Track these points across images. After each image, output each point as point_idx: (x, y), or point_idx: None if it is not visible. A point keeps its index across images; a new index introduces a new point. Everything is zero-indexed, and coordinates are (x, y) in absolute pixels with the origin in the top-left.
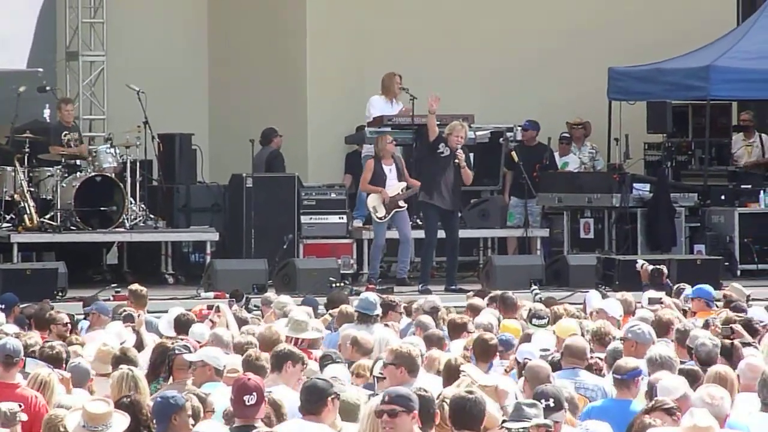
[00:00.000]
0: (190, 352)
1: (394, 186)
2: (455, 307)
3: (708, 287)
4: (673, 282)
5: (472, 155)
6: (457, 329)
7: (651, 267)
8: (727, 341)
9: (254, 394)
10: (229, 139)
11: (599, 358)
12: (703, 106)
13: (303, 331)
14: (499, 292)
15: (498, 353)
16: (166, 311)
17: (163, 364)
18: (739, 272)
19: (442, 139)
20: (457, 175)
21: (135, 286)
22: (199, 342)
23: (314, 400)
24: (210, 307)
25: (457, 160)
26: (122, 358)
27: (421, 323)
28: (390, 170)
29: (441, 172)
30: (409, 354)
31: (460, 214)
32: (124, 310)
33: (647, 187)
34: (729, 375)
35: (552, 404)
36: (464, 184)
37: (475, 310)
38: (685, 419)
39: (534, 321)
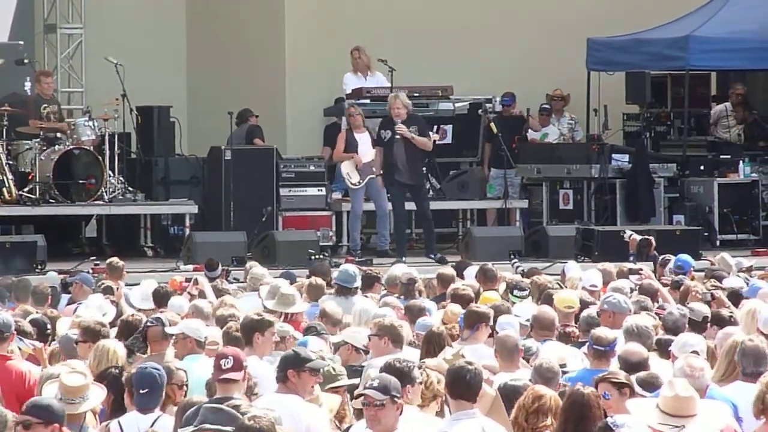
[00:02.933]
0: (162, 324)
1: (366, 153)
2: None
3: (687, 257)
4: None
5: (450, 127)
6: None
7: (639, 237)
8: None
9: (230, 358)
10: (208, 111)
11: (575, 327)
12: (682, 77)
13: (291, 305)
14: (479, 263)
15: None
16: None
17: (129, 338)
18: (718, 242)
19: (384, 125)
20: (409, 149)
21: (112, 259)
22: (179, 315)
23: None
24: (188, 280)
25: (398, 135)
26: (96, 332)
27: (392, 303)
28: (361, 139)
29: (391, 152)
30: (392, 325)
31: (429, 186)
32: (103, 283)
33: (626, 157)
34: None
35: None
36: (426, 151)
37: (444, 282)
38: (664, 390)
39: (515, 292)
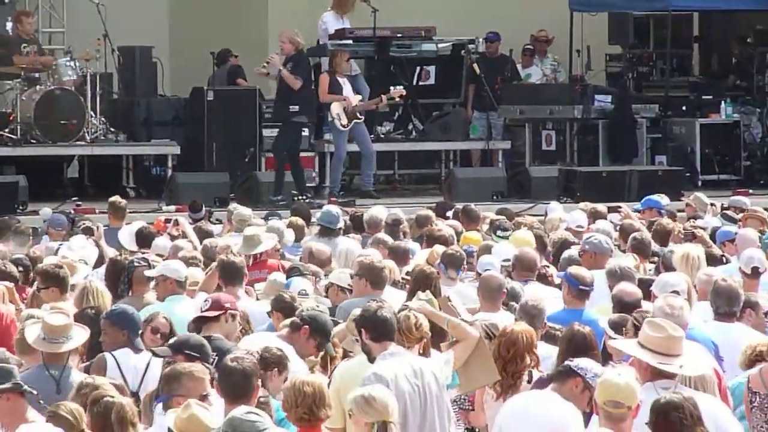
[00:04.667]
0: (149, 265)
1: (351, 97)
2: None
3: (657, 197)
4: (635, 193)
5: (433, 68)
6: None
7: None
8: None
9: (209, 299)
10: (190, 52)
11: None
12: (665, 17)
13: (256, 245)
14: (461, 204)
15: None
16: (129, 224)
17: (119, 278)
18: (700, 183)
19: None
20: (282, 83)
21: (115, 198)
22: (161, 255)
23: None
24: (168, 221)
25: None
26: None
27: (381, 240)
28: (344, 83)
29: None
30: (372, 265)
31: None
32: (83, 223)
33: (609, 98)
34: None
35: None
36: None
37: (421, 223)
38: (651, 329)
39: (498, 233)
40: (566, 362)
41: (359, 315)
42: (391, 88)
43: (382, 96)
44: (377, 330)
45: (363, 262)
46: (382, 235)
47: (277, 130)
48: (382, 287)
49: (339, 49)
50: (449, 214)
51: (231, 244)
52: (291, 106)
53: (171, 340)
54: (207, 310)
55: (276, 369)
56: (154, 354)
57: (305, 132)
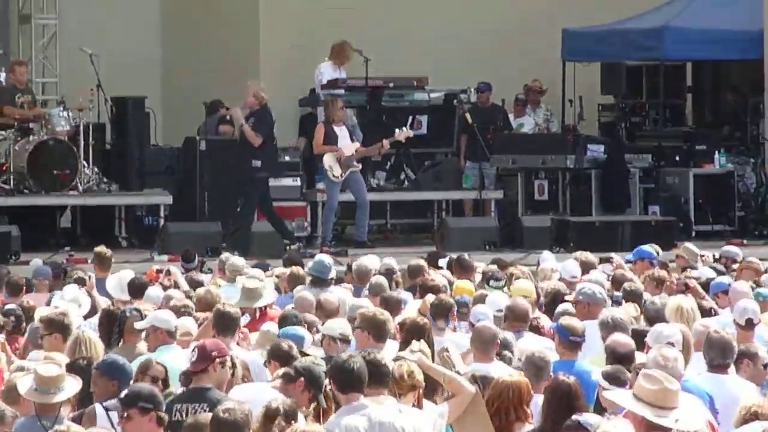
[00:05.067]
0: (141, 316)
1: (346, 146)
2: None
3: (648, 247)
4: (628, 243)
5: (425, 117)
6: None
7: None
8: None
9: (195, 350)
10: (183, 102)
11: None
12: (658, 67)
13: (257, 298)
14: (455, 254)
15: (456, 315)
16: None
17: (111, 329)
18: (693, 233)
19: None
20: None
21: (100, 248)
22: (154, 306)
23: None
24: (160, 271)
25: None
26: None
27: (377, 285)
28: (341, 131)
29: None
30: (375, 317)
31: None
32: (75, 273)
33: (602, 148)
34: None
35: None
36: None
37: (413, 273)
38: (646, 381)
39: (491, 283)
40: (574, 417)
41: (330, 365)
42: (396, 130)
43: (384, 141)
44: (343, 381)
45: (366, 314)
46: (378, 282)
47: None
48: (385, 340)
49: (333, 97)
50: (442, 263)
51: (223, 295)
52: (254, 161)
53: (122, 394)
54: (194, 362)
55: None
56: (105, 409)
57: (297, 182)
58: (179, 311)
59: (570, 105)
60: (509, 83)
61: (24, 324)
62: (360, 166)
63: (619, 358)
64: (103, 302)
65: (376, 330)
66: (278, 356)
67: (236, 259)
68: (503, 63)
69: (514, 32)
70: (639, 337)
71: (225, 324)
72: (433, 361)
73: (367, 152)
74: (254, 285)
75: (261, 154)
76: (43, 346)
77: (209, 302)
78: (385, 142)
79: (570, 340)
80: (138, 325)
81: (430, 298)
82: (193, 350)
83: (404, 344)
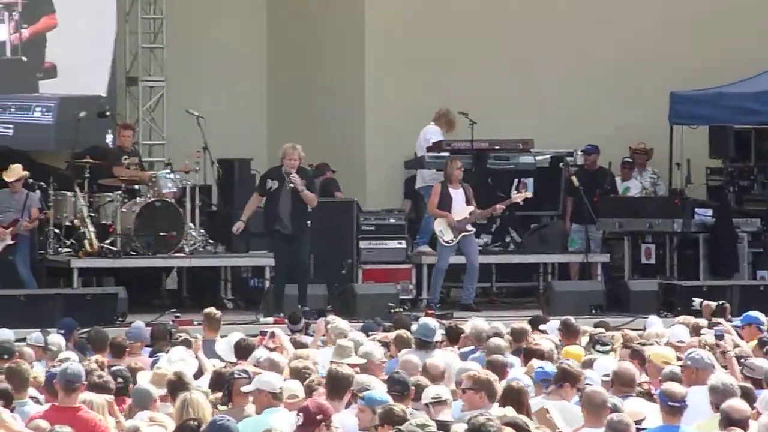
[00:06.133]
0: (250, 377)
1: (460, 210)
2: None
3: (757, 313)
4: (736, 308)
5: (531, 180)
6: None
7: (714, 304)
8: None
9: (300, 415)
10: None
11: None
12: (766, 131)
13: (347, 356)
14: (561, 318)
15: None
16: (226, 336)
17: (221, 390)
18: None
19: (271, 174)
20: (296, 200)
21: (210, 310)
22: (259, 367)
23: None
24: (264, 333)
25: (292, 185)
26: (178, 384)
27: (494, 347)
28: (457, 194)
29: (276, 203)
30: (488, 380)
31: (510, 239)
32: (180, 336)
33: (709, 212)
34: None
35: None
36: (310, 206)
37: (516, 336)
38: None
39: (598, 347)
40: None
41: (469, 428)
42: (512, 193)
43: (497, 205)
44: None
45: (479, 376)
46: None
47: (290, 245)
48: (494, 400)
49: (453, 158)
50: (544, 327)
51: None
52: (307, 221)
53: None
54: (300, 426)
55: None
56: None
57: (402, 244)
58: (300, 373)
59: (677, 168)
60: (616, 146)
61: (131, 385)
62: (474, 230)
63: (734, 423)
64: (209, 364)
65: (489, 391)
66: (391, 420)
67: (341, 322)
68: (610, 125)
69: (621, 95)
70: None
71: (336, 386)
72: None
73: (481, 215)
74: (346, 344)
75: (311, 215)
76: (154, 407)
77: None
78: (499, 206)
79: (670, 405)
80: (244, 388)
81: (535, 362)
82: (298, 413)
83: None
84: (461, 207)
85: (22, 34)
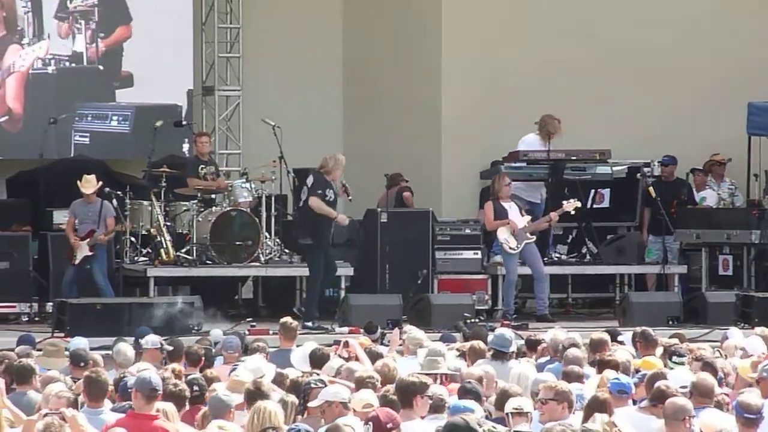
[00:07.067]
0: (326, 385)
1: (517, 220)
2: None
3: None
4: None
5: (608, 191)
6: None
7: None
8: None
9: (369, 424)
10: (364, 174)
11: (725, 395)
12: None
13: (437, 367)
14: (638, 328)
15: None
16: (300, 345)
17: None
18: None
19: (323, 185)
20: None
21: (286, 319)
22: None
23: None
24: (337, 342)
25: (350, 197)
26: (255, 392)
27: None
28: (509, 207)
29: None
30: (568, 391)
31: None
32: (257, 344)
33: None
34: None
35: None
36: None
37: (594, 347)
38: None
39: (674, 359)
40: None
41: None
42: (564, 202)
43: (551, 213)
44: None
45: (559, 387)
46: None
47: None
48: (573, 411)
49: (500, 174)
50: (623, 338)
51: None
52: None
53: None
54: None
55: None
56: None
57: (477, 255)
58: (364, 383)
59: (755, 179)
60: (693, 157)
61: (207, 394)
62: (534, 238)
63: None
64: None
65: (569, 402)
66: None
67: (417, 332)
68: (687, 136)
69: (698, 105)
70: None
71: (405, 394)
72: None
73: (537, 226)
74: (437, 356)
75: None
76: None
77: (386, 376)
78: (554, 215)
79: (745, 417)
80: (312, 404)
81: (609, 373)
82: (367, 422)
83: (585, 419)
84: (517, 217)
85: (98, 44)
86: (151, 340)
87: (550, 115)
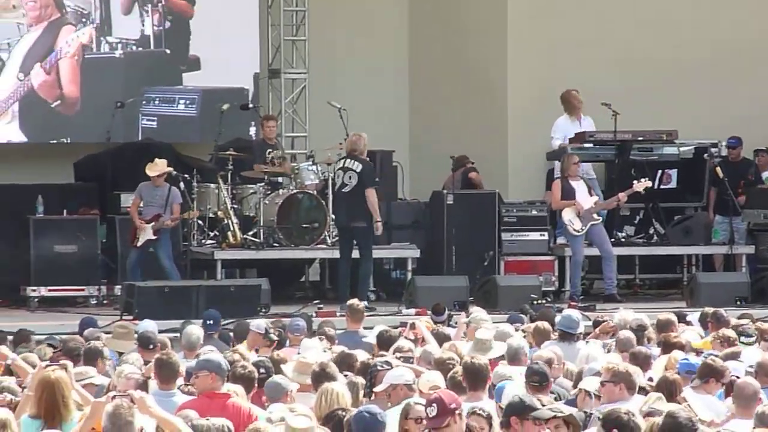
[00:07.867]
0: (392, 367)
1: (584, 200)
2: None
3: None
4: None
5: (675, 171)
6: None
7: None
8: None
9: (433, 405)
10: (430, 156)
11: None
12: None
13: (487, 350)
14: (708, 309)
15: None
16: (371, 327)
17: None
18: None
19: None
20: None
21: (353, 301)
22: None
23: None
24: (403, 324)
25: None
26: (321, 374)
27: (625, 340)
28: (578, 185)
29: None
30: (627, 371)
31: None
32: (323, 326)
33: None
34: None
35: None
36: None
37: (660, 328)
38: None
39: (742, 339)
40: None
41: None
42: (634, 182)
43: (620, 194)
44: None
45: (618, 368)
46: (627, 337)
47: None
48: (634, 393)
49: (569, 153)
50: (690, 318)
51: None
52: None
53: None
54: (434, 418)
55: None
56: None
57: (544, 236)
58: (444, 363)
59: None
60: (760, 136)
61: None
62: (600, 219)
63: None
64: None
65: (628, 383)
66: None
67: (482, 314)
68: (753, 116)
69: (765, 87)
70: None
71: (473, 376)
72: None
73: (606, 206)
74: (486, 336)
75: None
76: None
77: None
78: (622, 195)
79: None
80: (377, 389)
81: (677, 354)
82: (430, 405)
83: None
84: (585, 197)
85: (165, 27)
86: (257, 324)
87: (567, 90)
